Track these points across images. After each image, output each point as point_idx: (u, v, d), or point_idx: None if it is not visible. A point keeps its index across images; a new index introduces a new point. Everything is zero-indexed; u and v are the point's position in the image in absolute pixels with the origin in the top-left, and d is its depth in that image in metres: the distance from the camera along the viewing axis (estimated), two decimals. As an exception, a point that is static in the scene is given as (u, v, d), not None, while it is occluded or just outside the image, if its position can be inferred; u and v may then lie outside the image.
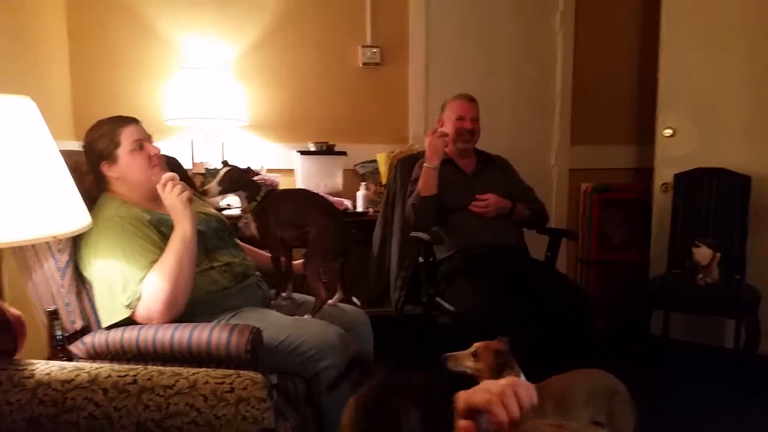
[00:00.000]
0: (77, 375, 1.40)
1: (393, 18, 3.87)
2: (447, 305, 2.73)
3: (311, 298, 2.27)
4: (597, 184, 4.20)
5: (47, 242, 1.84)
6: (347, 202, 3.52)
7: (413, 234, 2.92)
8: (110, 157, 1.99)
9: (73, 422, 1.35)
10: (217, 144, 3.52)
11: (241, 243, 2.37)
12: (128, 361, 1.77)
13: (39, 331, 1.82)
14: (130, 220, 1.91)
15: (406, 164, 3.22)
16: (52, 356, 1.65)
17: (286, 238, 2.29)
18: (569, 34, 4.14)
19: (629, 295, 3.69)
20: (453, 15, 3.97)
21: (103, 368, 1.44)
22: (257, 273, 2.25)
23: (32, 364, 1.45)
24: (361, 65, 3.83)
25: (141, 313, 1.82)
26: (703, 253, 3.13)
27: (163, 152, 2.11)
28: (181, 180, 1.93)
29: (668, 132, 3.79)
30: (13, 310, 1.49)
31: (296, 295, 2.37)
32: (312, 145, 3.59)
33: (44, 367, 1.44)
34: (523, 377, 1.92)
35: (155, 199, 1.95)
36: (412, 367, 0.93)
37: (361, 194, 3.57)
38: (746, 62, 3.56)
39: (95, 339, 1.82)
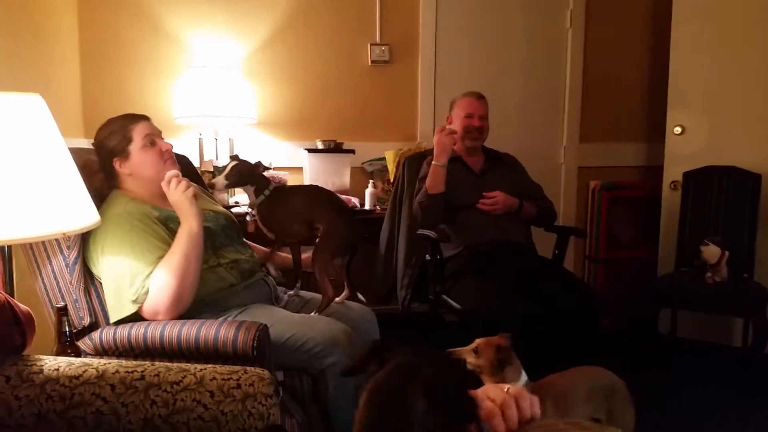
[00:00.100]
0: (85, 371, 1.41)
1: (402, 16, 3.87)
2: (454, 303, 2.73)
3: (318, 296, 2.27)
4: (606, 181, 4.19)
5: (56, 239, 1.86)
6: (355, 200, 3.52)
7: (420, 232, 2.92)
8: (122, 154, 2.01)
9: (80, 417, 1.35)
10: (226, 142, 3.53)
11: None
12: (136, 357, 1.78)
13: (47, 327, 1.83)
14: (138, 216, 1.93)
15: (413, 162, 3.22)
16: (61, 352, 1.66)
17: (294, 233, 2.29)
18: (579, 31, 4.12)
19: (637, 293, 3.68)
20: (462, 13, 3.96)
21: (111, 364, 1.44)
22: (263, 269, 2.25)
23: (41, 359, 1.46)
24: (370, 63, 3.83)
25: (147, 308, 1.84)
26: (711, 252, 3.12)
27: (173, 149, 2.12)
28: (191, 178, 1.95)
29: (678, 130, 3.77)
30: (23, 307, 1.50)
31: (303, 293, 2.37)
32: (320, 143, 3.60)
33: (53, 363, 1.45)
34: (524, 374, 1.93)
35: (165, 195, 1.96)
36: (424, 357, 0.93)
37: (369, 192, 3.58)
38: (756, 60, 3.54)
39: (103, 335, 1.83)
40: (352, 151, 3.62)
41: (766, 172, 3.42)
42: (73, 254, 1.88)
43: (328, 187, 3.43)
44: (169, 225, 1.96)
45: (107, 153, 2.02)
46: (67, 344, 1.67)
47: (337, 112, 3.82)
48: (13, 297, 1.58)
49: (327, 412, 1.92)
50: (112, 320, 1.87)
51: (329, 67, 3.79)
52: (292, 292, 2.35)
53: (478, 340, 1.95)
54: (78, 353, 1.71)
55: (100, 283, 1.93)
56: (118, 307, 1.85)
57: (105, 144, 2.01)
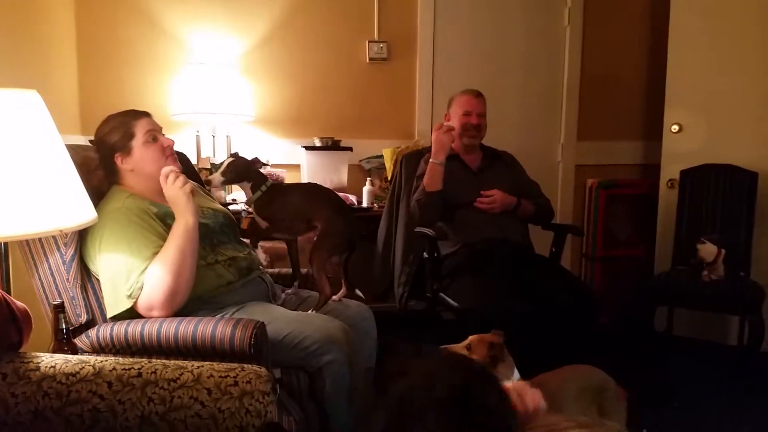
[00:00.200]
0: (82, 368, 1.41)
1: (400, 13, 3.86)
2: (451, 301, 2.73)
3: (315, 294, 2.27)
4: (603, 180, 4.19)
5: (53, 236, 1.85)
6: (352, 198, 3.52)
7: (418, 229, 2.92)
8: (124, 149, 2.00)
9: (77, 415, 1.36)
10: (223, 139, 3.53)
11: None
12: (133, 354, 1.78)
13: (44, 325, 1.83)
14: (136, 212, 1.92)
15: (411, 160, 3.22)
16: (57, 349, 1.65)
17: (291, 229, 2.29)
18: (577, 29, 4.12)
19: (634, 291, 3.69)
20: (461, 10, 3.96)
21: (108, 361, 1.45)
22: (261, 267, 2.25)
23: (37, 357, 1.46)
24: (368, 60, 3.83)
25: (142, 303, 1.83)
26: (707, 250, 3.12)
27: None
28: (189, 175, 1.95)
29: (675, 128, 3.78)
30: (19, 304, 1.50)
31: (301, 290, 2.37)
32: (318, 140, 3.60)
33: (49, 360, 1.45)
34: (516, 372, 1.93)
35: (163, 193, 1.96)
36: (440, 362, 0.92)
37: (366, 190, 3.58)
38: (754, 59, 3.54)
39: (100, 332, 1.83)
40: (350, 149, 3.62)
41: (763, 170, 3.43)
42: (70, 251, 1.88)
43: (326, 184, 3.43)
44: (167, 221, 1.96)
45: (108, 149, 2.01)
46: (64, 341, 1.67)
47: (335, 109, 3.82)
48: (9, 294, 1.58)
49: (324, 409, 1.91)
50: (108, 315, 1.87)
51: (327, 65, 3.79)
52: (289, 290, 2.35)
53: (471, 337, 1.95)
54: (75, 351, 1.71)
55: (97, 281, 1.92)
56: (114, 302, 1.85)
57: (106, 140, 2.01)
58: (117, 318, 1.86)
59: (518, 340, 2.00)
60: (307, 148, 3.57)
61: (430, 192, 2.88)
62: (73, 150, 1.87)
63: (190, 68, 3.38)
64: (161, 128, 2.09)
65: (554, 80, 4.18)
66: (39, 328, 1.64)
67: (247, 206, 2.36)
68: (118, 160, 2.01)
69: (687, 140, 3.74)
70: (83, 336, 1.85)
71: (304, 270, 2.42)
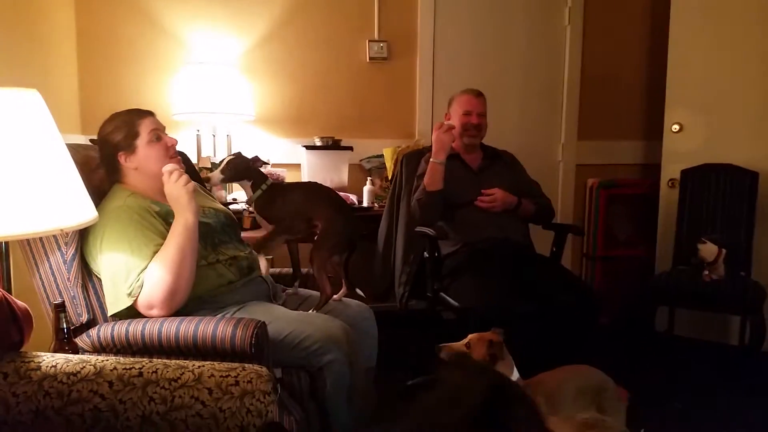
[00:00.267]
0: (83, 367, 1.41)
1: (400, 12, 3.86)
2: (452, 300, 2.73)
3: (316, 293, 2.27)
4: (603, 179, 4.19)
5: (54, 235, 1.85)
6: (353, 197, 3.52)
7: (418, 229, 2.92)
8: (129, 148, 2.00)
9: (78, 414, 1.35)
10: (224, 139, 3.52)
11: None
12: (134, 354, 1.78)
13: (45, 324, 1.83)
14: (137, 210, 1.92)
15: (411, 159, 3.22)
16: (58, 349, 1.65)
17: (292, 229, 2.28)
18: (578, 29, 4.12)
19: (635, 291, 3.69)
20: (461, 10, 3.96)
21: (109, 361, 1.44)
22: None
23: (38, 356, 1.46)
24: (368, 60, 3.83)
25: (142, 302, 1.83)
26: (708, 250, 3.12)
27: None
28: (190, 174, 1.95)
29: (676, 128, 3.78)
30: (20, 303, 1.50)
31: (301, 290, 2.37)
32: (318, 140, 3.59)
33: (50, 360, 1.45)
34: (515, 370, 1.93)
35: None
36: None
37: (367, 189, 3.58)
38: (755, 58, 3.53)
39: (101, 332, 1.83)
40: (350, 148, 3.62)
41: (764, 170, 3.42)
42: (71, 251, 1.88)
43: (326, 184, 3.43)
44: (168, 220, 1.95)
45: (112, 147, 2.01)
46: (65, 341, 1.67)
47: (336, 109, 3.82)
48: (10, 293, 1.57)
49: (325, 409, 1.91)
50: (109, 314, 1.87)
51: (327, 64, 3.79)
52: (290, 290, 2.35)
53: (470, 336, 1.96)
54: (76, 350, 1.71)
55: (98, 280, 1.92)
56: (114, 300, 1.85)
57: (110, 138, 2.01)
58: (117, 317, 1.87)
59: (519, 340, 2.00)
60: (308, 147, 3.57)
61: (430, 191, 2.88)
62: (74, 149, 1.87)
63: (191, 68, 3.38)
64: (164, 128, 2.10)
65: (555, 80, 4.18)
66: (40, 328, 1.64)
67: (247, 205, 2.35)
68: (121, 158, 2.01)
69: (687, 140, 3.74)
70: (84, 335, 1.85)
71: (304, 270, 2.42)
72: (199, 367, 1.43)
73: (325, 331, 1.92)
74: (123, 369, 1.41)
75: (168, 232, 1.90)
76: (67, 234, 1.85)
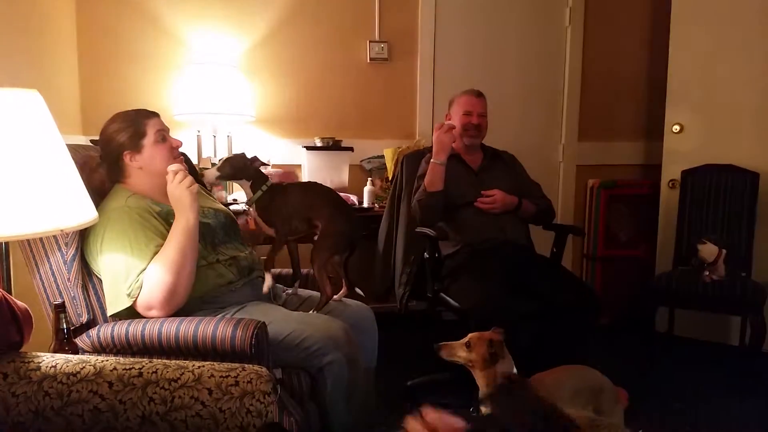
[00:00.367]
0: (83, 368, 1.41)
1: (401, 13, 3.86)
2: (452, 301, 2.73)
3: (316, 294, 2.27)
4: (604, 180, 4.19)
5: (54, 236, 1.85)
6: (353, 198, 3.52)
7: (419, 229, 2.92)
8: (135, 147, 2.00)
9: (78, 415, 1.36)
10: (224, 139, 3.52)
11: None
12: (134, 354, 1.78)
13: (45, 325, 1.83)
14: (138, 211, 1.92)
15: (411, 160, 3.22)
16: (58, 349, 1.66)
17: (292, 229, 2.28)
18: (578, 29, 4.12)
19: (635, 291, 3.68)
20: (461, 10, 3.96)
21: (109, 361, 1.44)
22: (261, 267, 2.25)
23: (38, 356, 1.46)
24: (368, 60, 3.83)
25: (141, 302, 1.83)
26: (708, 250, 3.12)
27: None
28: (191, 175, 1.95)
29: (676, 128, 3.78)
30: (20, 303, 1.50)
31: (301, 290, 2.37)
32: (318, 140, 3.59)
33: (50, 360, 1.45)
34: (515, 369, 1.93)
35: (167, 192, 1.96)
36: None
37: (367, 190, 3.58)
38: (755, 59, 3.53)
39: (101, 332, 1.83)
40: (351, 149, 3.62)
41: (764, 170, 3.42)
42: (71, 251, 1.88)
43: (327, 184, 3.43)
44: (169, 220, 1.96)
45: (117, 145, 2.00)
46: (65, 341, 1.67)
47: (336, 109, 3.82)
48: (10, 294, 1.57)
49: (325, 409, 1.91)
50: (108, 314, 1.87)
51: (328, 65, 3.79)
52: (290, 290, 2.34)
53: (470, 335, 1.95)
54: (75, 350, 1.71)
55: (99, 280, 1.93)
56: (114, 300, 1.85)
57: (115, 137, 2.00)
58: (117, 317, 1.87)
59: (519, 341, 1.99)
60: (308, 148, 3.57)
61: (431, 192, 2.88)
62: (74, 150, 1.87)
63: (191, 68, 3.38)
64: (169, 129, 2.10)
65: (555, 80, 4.18)
66: (40, 328, 1.64)
67: (247, 206, 2.34)
68: (126, 157, 2.01)
69: (688, 140, 3.75)
70: (84, 336, 1.85)
71: (304, 270, 2.42)
72: (199, 367, 1.43)
73: (326, 331, 1.92)
74: (123, 369, 1.41)
75: (168, 232, 1.90)
76: (67, 234, 1.85)
